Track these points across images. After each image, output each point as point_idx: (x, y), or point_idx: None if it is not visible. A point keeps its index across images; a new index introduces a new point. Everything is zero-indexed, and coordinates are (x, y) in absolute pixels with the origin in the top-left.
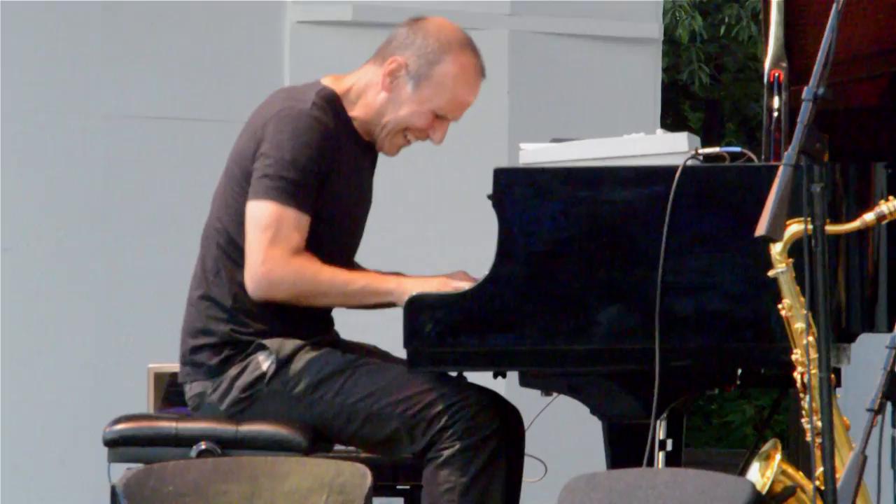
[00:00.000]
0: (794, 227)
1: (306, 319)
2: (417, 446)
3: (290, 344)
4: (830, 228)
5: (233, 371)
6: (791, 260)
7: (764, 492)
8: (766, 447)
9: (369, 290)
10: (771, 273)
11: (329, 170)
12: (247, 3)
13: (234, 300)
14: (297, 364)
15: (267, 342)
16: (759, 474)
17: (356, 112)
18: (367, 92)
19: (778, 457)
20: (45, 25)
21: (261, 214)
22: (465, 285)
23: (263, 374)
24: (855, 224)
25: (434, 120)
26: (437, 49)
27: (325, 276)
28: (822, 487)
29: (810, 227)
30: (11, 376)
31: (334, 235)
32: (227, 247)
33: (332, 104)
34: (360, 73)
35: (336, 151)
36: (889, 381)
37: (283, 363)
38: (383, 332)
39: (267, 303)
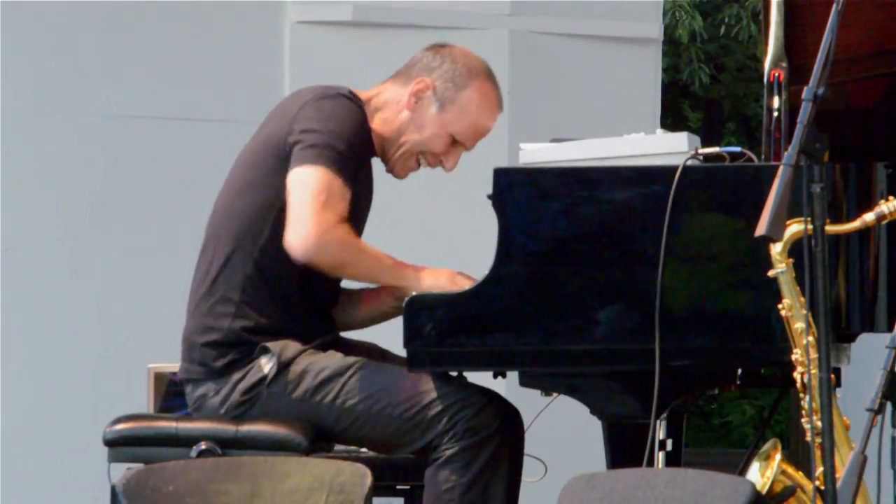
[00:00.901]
0: (795, 227)
1: (310, 315)
2: (417, 447)
3: (292, 347)
4: (830, 228)
5: (236, 376)
6: (791, 260)
7: (764, 492)
8: (766, 447)
9: (396, 271)
10: (771, 273)
11: (360, 162)
12: (247, 3)
13: (242, 292)
14: (298, 367)
15: (270, 345)
16: (760, 474)
17: (374, 125)
18: (386, 108)
19: (778, 457)
20: (45, 25)
21: (312, 178)
22: (469, 284)
23: (264, 377)
24: (855, 224)
25: (450, 145)
26: (465, 74)
27: (365, 249)
28: (822, 487)
29: (810, 227)
30: (11, 376)
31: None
32: (241, 238)
33: (362, 105)
34: (379, 88)
35: (363, 146)
36: (889, 381)
37: (284, 366)
38: (383, 333)
39: (272, 296)
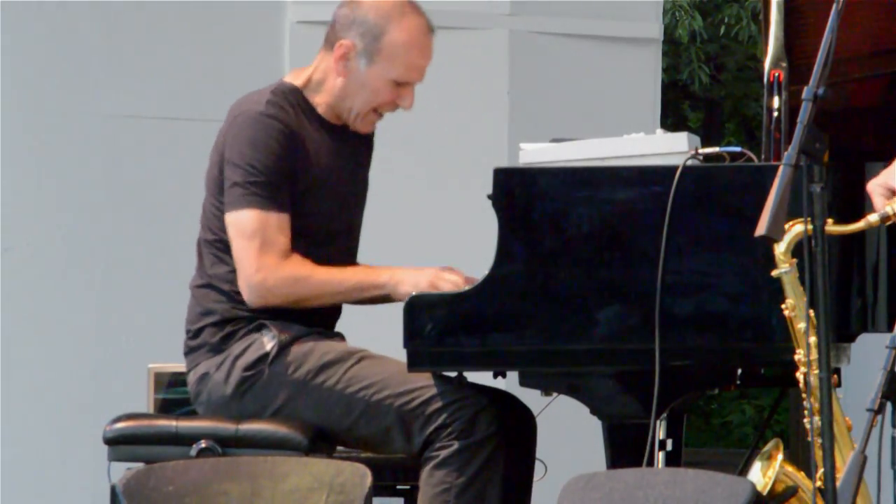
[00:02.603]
0: (798, 228)
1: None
2: (414, 444)
3: (293, 328)
4: (833, 229)
5: (235, 348)
6: (795, 260)
7: (765, 491)
8: (767, 447)
9: (363, 285)
10: (774, 273)
11: (297, 163)
12: (247, 3)
13: (232, 283)
14: (301, 348)
15: (269, 323)
16: (761, 474)
17: (321, 98)
18: (325, 80)
19: (780, 457)
20: (45, 25)
21: (243, 223)
22: (456, 278)
23: (266, 354)
24: (859, 225)
25: (397, 88)
26: (379, 21)
27: (318, 277)
28: (823, 487)
29: (810, 227)
30: (11, 376)
31: (318, 225)
32: (219, 245)
33: (290, 96)
34: (314, 63)
35: (301, 143)
36: (889, 381)
37: (285, 345)
38: (383, 332)
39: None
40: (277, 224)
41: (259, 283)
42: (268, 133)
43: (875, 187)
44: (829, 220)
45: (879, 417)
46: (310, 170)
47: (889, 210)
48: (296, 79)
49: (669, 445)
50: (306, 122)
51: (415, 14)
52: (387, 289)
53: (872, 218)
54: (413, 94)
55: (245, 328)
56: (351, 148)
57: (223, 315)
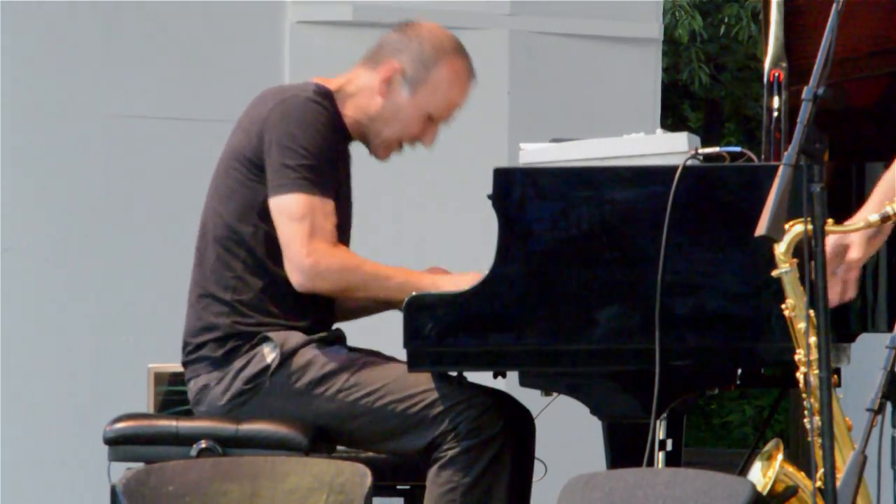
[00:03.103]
0: (798, 228)
1: (307, 310)
2: (418, 447)
3: (295, 337)
4: (833, 229)
5: (238, 363)
6: (795, 260)
7: (765, 491)
8: (768, 447)
9: (407, 286)
10: (775, 273)
11: (335, 157)
12: (247, 3)
13: (234, 292)
14: (301, 358)
15: (272, 334)
16: (761, 474)
17: (348, 111)
18: (359, 94)
19: (780, 457)
20: (45, 25)
21: (292, 207)
22: None
23: (267, 367)
24: (859, 225)
25: (426, 124)
26: (432, 53)
27: (368, 268)
28: (823, 487)
29: (810, 227)
30: (11, 376)
31: (338, 228)
32: (225, 241)
33: (329, 98)
34: (350, 75)
35: (337, 142)
36: (889, 381)
37: (287, 356)
38: (384, 332)
39: (266, 293)
40: (324, 209)
41: (311, 267)
42: (318, 119)
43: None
44: (830, 221)
45: (879, 417)
46: (336, 174)
47: (889, 210)
48: (327, 84)
49: (669, 445)
50: (338, 127)
51: (465, 57)
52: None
53: (872, 218)
54: (437, 133)
55: (248, 343)
56: (349, 167)
57: (225, 331)
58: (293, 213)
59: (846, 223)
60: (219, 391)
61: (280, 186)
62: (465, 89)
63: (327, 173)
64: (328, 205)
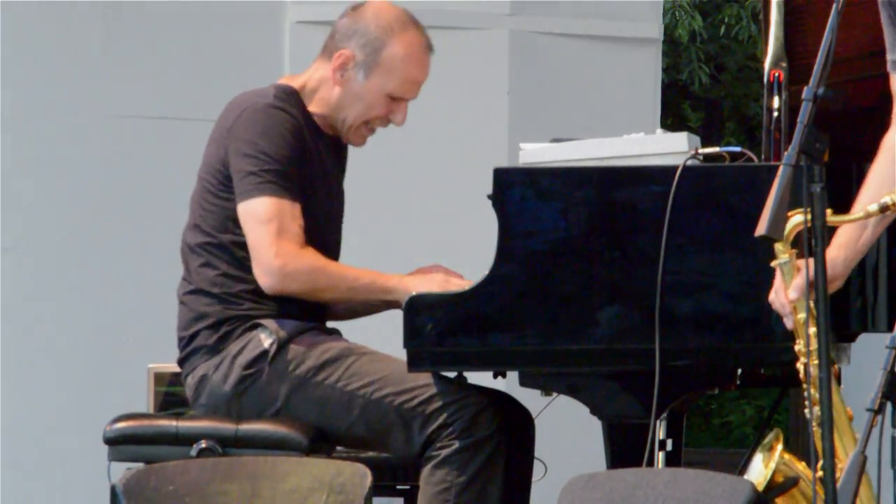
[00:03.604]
0: (798, 218)
1: (294, 303)
2: (415, 443)
3: (289, 325)
4: (833, 219)
5: (233, 347)
6: (794, 251)
7: (766, 482)
8: (768, 438)
9: (375, 286)
10: (773, 263)
11: (302, 159)
12: (247, 3)
13: (221, 286)
14: (300, 345)
15: (265, 322)
16: (762, 465)
17: (314, 107)
18: (320, 88)
19: (780, 447)
20: (45, 25)
21: (259, 210)
22: (466, 284)
23: (266, 352)
24: (858, 215)
25: (391, 103)
26: (380, 34)
27: (334, 269)
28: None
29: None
30: (11, 376)
31: (313, 230)
32: (207, 246)
33: (293, 97)
34: (311, 70)
35: (304, 141)
36: (889, 381)
37: (284, 342)
38: (384, 332)
39: (252, 289)
40: (291, 212)
41: (279, 269)
42: (279, 123)
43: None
44: (829, 211)
45: (879, 417)
46: (307, 174)
47: (889, 200)
48: (292, 82)
49: (669, 445)
50: (306, 126)
51: (416, 29)
52: (396, 293)
53: (872, 208)
54: (406, 110)
55: (241, 327)
56: (336, 160)
57: (217, 317)
58: (260, 216)
59: (845, 215)
60: (218, 379)
61: (246, 192)
62: (422, 62)
63: (293, 177)
64: (295, 208)
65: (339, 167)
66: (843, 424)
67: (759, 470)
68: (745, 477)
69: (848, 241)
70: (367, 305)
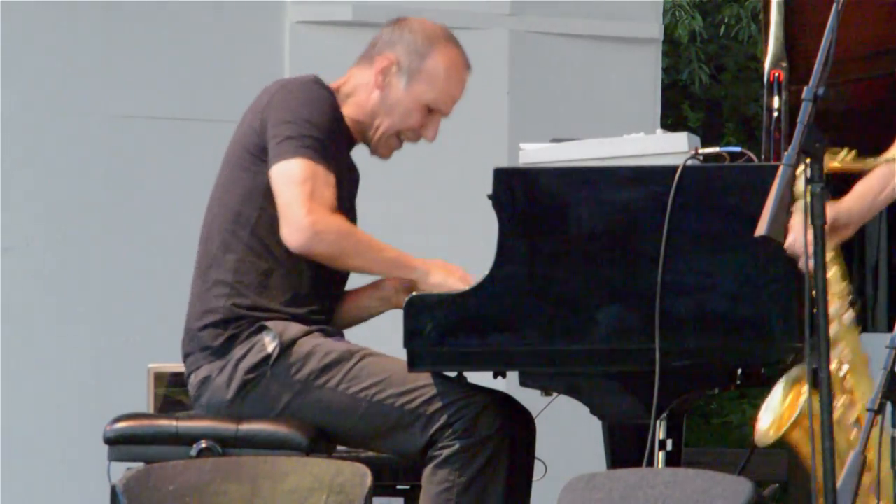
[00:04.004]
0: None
1: (306, 299)
2: (416, 443)
3: (293, 328)
4: (835, 165)
5: (238, 352)
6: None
7: (780, 418)
8: (794, 371)
9: (400, 262)
10: (793, 207)
11: (336, 149)
12: (247, 3)
13: (236, 273)
14: (302, 348)
15: (270, 324)
16: (781, 395)
17: (347, 110)
18: (357, 92)
19: (805, 389)
20: (45, 25)
21: (295, 171)
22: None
23: (268, 356)
24: (882, 159)
25: (426, 115)
26: (426, 43)
27: (362, 236)
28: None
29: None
30: (11, 376)
31: None
32: (229, 224)
33: (331, 93)
34: (346, 76)
35: (338, 137)
36: (889, 381)
37: (286, 346)
38: (384, 332)
39: (267, 277)
40: (326, 178)
41: (309, 225)
42: (322, 98)
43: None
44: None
45: (879, 417)
46: (334, 165)
47: None
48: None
49: (669, 445)
50: (340, 122)
51: (458, 47)
52: (417, 273)
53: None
54: (438, 126)
55: (247, 331)
56: (354, 173)
57: (224, 315)
58: (294, 177)
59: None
60: (221, 382)
61: (282, 154)
62: (462, 79)
63: (330, 149)
64: (330, 176)
65: (355, 184)
66: (863, 366)
67: (778, 398)
68: (763, 407)
69: (862, 193)
70: (367, 309)
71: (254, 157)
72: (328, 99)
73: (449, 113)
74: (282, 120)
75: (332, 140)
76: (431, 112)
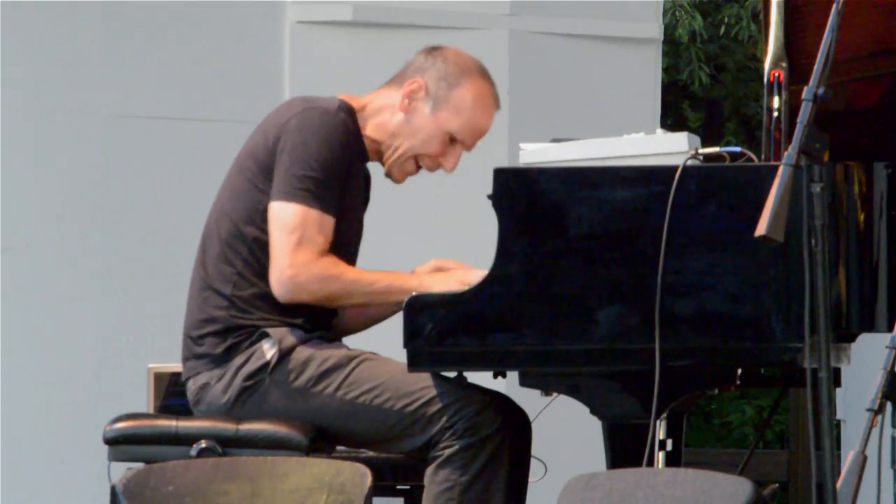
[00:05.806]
0: None
1: (304, 309)
2: (417, 445)
3: (293, 334)
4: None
5: (238, 360)
6: None
7: None
8: None
9: (394, 288)
10: None
11: (347, 175)
12: (247, 3)
13: (234, 287)
14: (300, 355)
15: (270, 330)
16: None
17: (368, 131)
18: (381, 112)
19: None
20: (45, 25)
21: (286, 216)
22: (482, 273)
23: (267, 364)
24: None
25: (447, 145)
26: (457, 73)
27: (349, 276)
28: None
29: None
30: (11, 376)
31: (338, 245)
32: (230, 238)
33: (352, 116)
34: (374, 95)
35: (351, 163)
36: (889, 381)
37: (285, 353)
38: (384, 332)
39: (265, 292)
40: (319, 223)
41: (290, 279)
42: (336, 134)
43: None
44: None
45: (879, 417)
46: (344, 195)
47: None
48: (353, 102)
49: (669, 445)
50: (358, 147)
51: (489, 81)
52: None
53: None
54: (458, 158)
55: (247, 340)
56: (366, 192)
57: (225, 324)
58: (285, 224)
59: None
60: (219, 389)
61: (282, 193)
62: (489, 113)
63: (333, 189)
64: (325, 220)
65: (366, 199)
66: None
67: None
68: None
69: None
70: (382, 311)
71: (260, 171)
72: (343, 134)
73: (472, 146)
74: (292, 150)
75: (338, 175)
76: (453, 142)
